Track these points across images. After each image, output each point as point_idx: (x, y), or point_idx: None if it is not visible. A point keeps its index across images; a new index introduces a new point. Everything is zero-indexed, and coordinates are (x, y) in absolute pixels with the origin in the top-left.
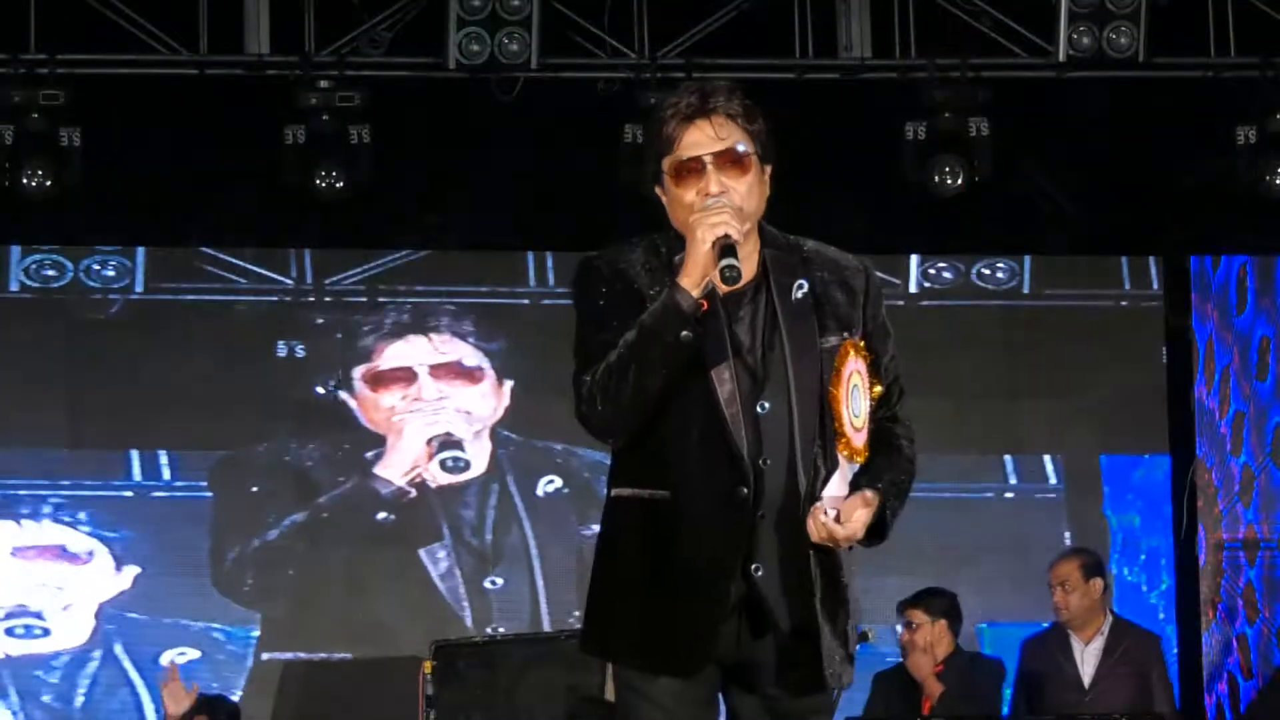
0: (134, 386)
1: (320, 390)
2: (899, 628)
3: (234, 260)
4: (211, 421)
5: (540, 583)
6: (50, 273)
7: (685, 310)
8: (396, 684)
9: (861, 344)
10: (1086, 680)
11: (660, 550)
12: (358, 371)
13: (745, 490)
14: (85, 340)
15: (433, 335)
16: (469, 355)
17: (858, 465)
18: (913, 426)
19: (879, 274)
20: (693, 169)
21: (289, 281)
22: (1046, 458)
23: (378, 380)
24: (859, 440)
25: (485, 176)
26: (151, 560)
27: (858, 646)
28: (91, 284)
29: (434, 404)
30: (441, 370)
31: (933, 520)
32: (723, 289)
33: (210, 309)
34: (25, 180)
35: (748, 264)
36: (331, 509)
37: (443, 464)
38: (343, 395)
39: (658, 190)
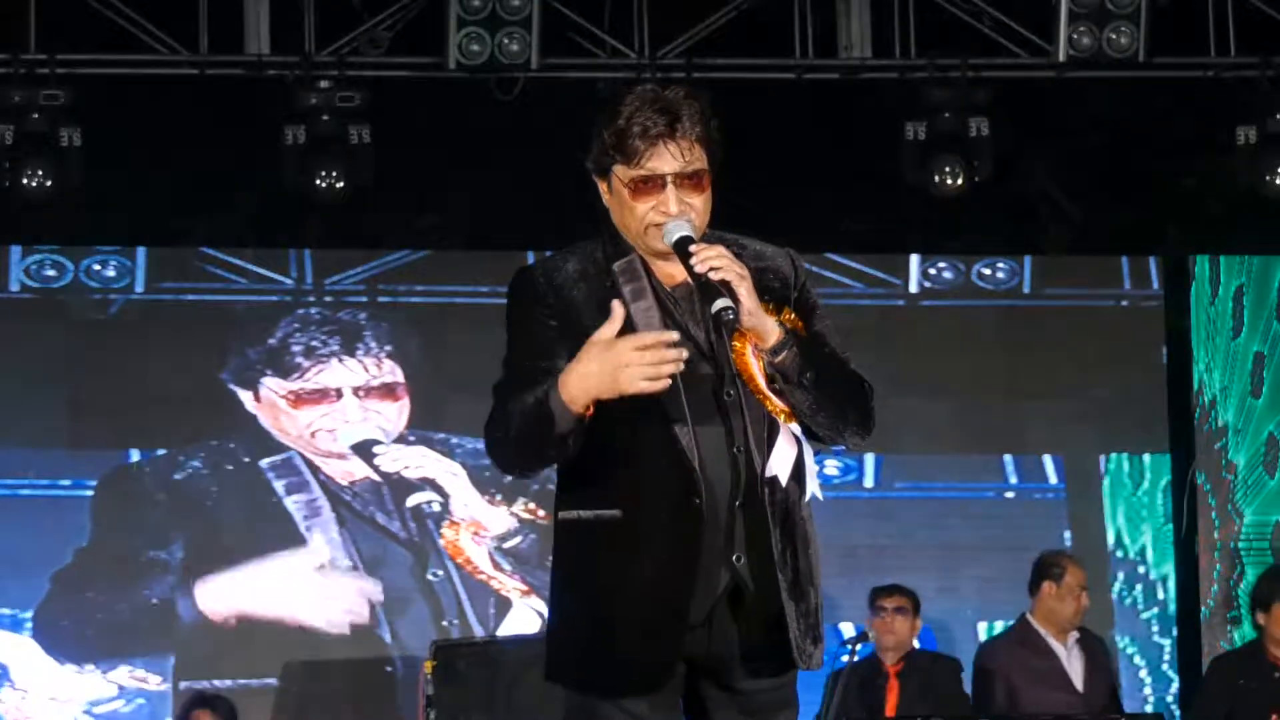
0: (134, 386)
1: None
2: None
3: (234, 260)
4: (212, 421)
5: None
6: (50, 273)
7: (560, 425)
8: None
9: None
10: (1079, 681)
11: (617, 570)
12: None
13: (697, 500)
14: (85, 340)
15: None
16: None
17: (794, 427)
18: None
19: (879, 273)
20: (653, 186)
21: (289, 281)
22: (1047, 458)
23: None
24: (780, 401)
25: (485, 176)
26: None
27: (859, 646)
28: (91, 284)
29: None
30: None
31: (933, 520)
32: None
33: (210, 309)
34: (25, 180)
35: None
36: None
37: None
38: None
39: (599, 180)
